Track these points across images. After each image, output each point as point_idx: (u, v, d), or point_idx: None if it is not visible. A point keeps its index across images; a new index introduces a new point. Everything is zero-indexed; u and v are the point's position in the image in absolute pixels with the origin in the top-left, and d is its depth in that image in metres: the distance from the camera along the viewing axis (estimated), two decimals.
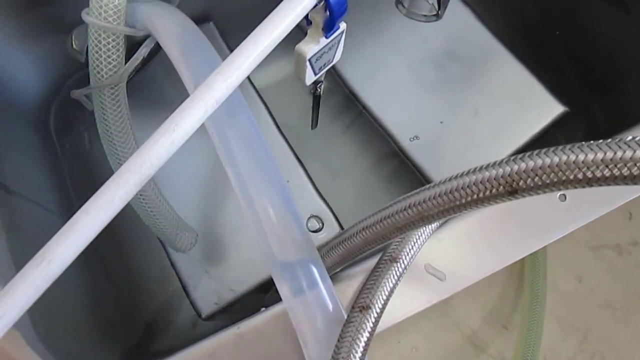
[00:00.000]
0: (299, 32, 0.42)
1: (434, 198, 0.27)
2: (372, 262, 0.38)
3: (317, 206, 0.61)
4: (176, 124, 0.32)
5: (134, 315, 0.60)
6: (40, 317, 0.40)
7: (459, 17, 0.70)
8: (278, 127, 0.65)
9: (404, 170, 0.68)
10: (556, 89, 0.65)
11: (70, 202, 0.60)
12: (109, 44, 0.44)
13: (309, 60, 0.41)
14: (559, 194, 0.41)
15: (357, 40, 0.71)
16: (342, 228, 0.60)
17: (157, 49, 0.50)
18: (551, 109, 0.65)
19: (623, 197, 0.41)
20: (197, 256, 0.60)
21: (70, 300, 0.50)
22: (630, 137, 0.22)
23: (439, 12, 0.60)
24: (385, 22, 0.71)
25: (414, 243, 0.37)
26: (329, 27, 0.39)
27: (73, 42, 0.57)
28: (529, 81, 0.66)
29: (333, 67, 0.72)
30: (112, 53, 0.45)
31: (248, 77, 0.68)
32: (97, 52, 0.45)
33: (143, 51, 0.47)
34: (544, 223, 0.41)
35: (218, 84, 0.33)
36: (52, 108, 0.63)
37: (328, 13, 0.37)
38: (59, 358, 0.39)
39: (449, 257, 0.39)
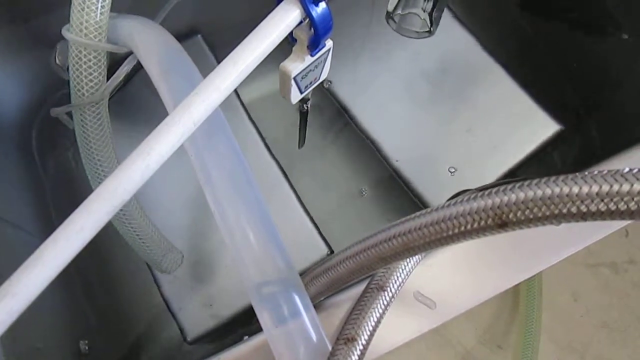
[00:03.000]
0: (288, 45, 0.41)
1: (419, 229, 0.25)
2: (358, 289, 0.36)
3: (303, 224, 0.59)
4: (151, 147, 0.31)
5: (116, 335, 0.58)
6: (8, 337, 0.39)
7: (452, 33, 0.69)
8: (265, 143, 0.63)
9: (394, 187, 0.67)
10: (551, 106, 0.64)
11: (52, 224, 0.58)
12: (90, 60, 0.43)
13: (294, 78, 0.40)
14: None
15: (347, 55, 0.70)
16: (328, 246, 0.58)
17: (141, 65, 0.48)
18: (546, 127, 0.63)
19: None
20: (183, 277, 0.59)
21: (45, 319, 0.49)
22: (627, 169, 0.20)
23: (432, 29, 0.59)
24: (376, 38, 0.70)
25: (402, 270, 0.35)
26: (314, 45, 0.38)
27: (56, 58, 0.56)
28: (523, 98, 0.65)
29: (322, 81, 0.71)
30: (94, 70, 0.44)
31: (235, 91, 0.67)
32: (77, 70, 0.44)
33: (125, 68, 0.46)
34: (539, 247, 0.39)
35: (196, 105, 0.32)
36: (34, 125, 0.61)
37: (313, 31, 0.36)
38: None
39: (439, 284, 0.38)
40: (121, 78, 0.47)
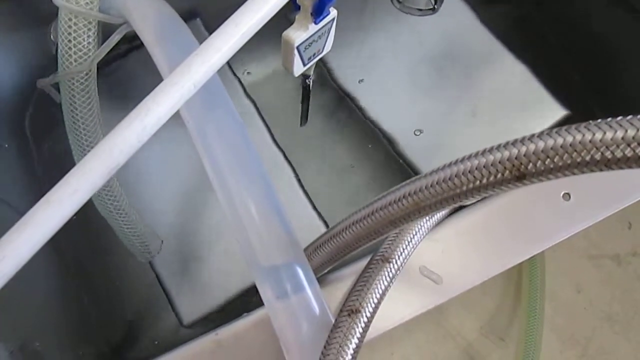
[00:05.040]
0: (287, 23, 0.40)
1: (431, 186, 0.24)
2: (362, 263, 0.35)
3: (305, 208, 0.58)
4: (149, 108, 0.29)
5: (112, 320, 0.57)
6: (4, 318, 0.37)
7: (457, 14, 0.67)
8: (267, 126, 0.62)
9: (399, 172, 0.65)
10: (557, 90, 0.63)
11: None
12: (79, 29, 0.42)
13: (297, 48, 0.39)
14: (562, 192, 0.39)
15: (350, 35, 0.69)
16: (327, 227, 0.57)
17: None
18: (552, 112, 0.62)
19: (630, 196, 0.38)
20: (180, 261, 0.57)
21: (38, 300, 0.47)
22: None
23: (435, 7, 0.58)
24: (380, 18, 0.68)
25: (408, 242, 0.34)
26: (318, 12, 0.37)
27: (51, 35, 0.54)
28: (530, 82, 0.64)
29: (324, 62, 0.69)
30: (83, 39, 0.43)
31: (237, 77, 0.66)
32: (67, 37, 0.42)
33: (116, 37, 0.45)
34: (547, 224, 0.38)
35: (196, 66, 0.31)
36: (29, 107, 0.60)
37: None
38: None
39: (445, 259, 0.37)
40: (110, 47, 0.46)
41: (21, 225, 0.27)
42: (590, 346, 0.81)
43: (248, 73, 0.73)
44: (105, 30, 0.46)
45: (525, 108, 0.63)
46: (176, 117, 0.34)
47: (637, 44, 0.60)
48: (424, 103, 0.66)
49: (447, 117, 0.64)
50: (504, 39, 0.66)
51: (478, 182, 0.22)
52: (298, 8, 0.37)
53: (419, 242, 0.35)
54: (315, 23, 0.37)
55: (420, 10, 0.59)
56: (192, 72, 0.30)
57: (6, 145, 0.56)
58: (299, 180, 0.59)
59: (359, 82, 0.67)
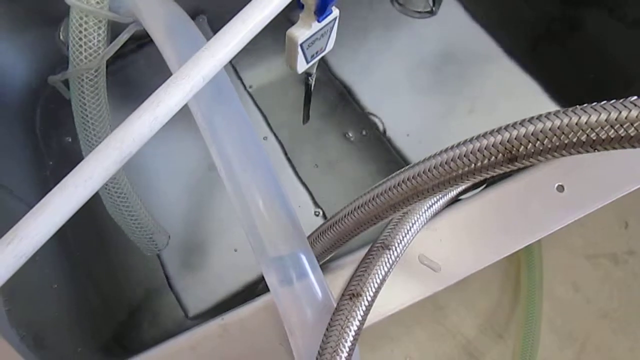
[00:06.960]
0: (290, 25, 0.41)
1: (429, 170, 0.25)
2: (363, 252, 0.36)
3: (304, 200, 0.60)
4: (160, 99, 0.31)
5: (117, 310, 0.58)
6: (15, 306, 0.39)
7: (454, 15, 0.69)
8: (268, 124, 0.64)
9: (397, 169, 0.67)
10: (552, 88, 0.65)
11: None
12: (90, 27, 0.43)
13: (301, 45, 0.40)
14: (556, 184, 0.40)
15: (351, 36, 0.70)
16: None
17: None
18: (547, 109, 0.64)
19: (624, 187, 0.40)
20: (185, 255, 0.59)
21: (49, 291, 0.48)
22: (636, 97, 0.21)
23: (433, 9, 0.59)
24: (381, 20, 0.70)
25: (408, 230, 0.35)
26: (321, 10, 0.38)
27: (60, 34, 0.56)
28: (525, 81, 0.66)
29: (326, 62, 0.71)
30: (93, 37, 0.44)
31: (240, 78, 0.68)
32: (77, 35, 0.44)
33: (124, 36, 0.46)
34: (541, 214, 0.39)
35: (205, 60, 0.32)
36: (39, 103, 0.61)
37: None
38: (33, 349, 0.37)
39: (444, 248, 0.38)
40: (119, 45, 0.47)
41: (39, 208, 0.28)
42: (588, 343, 0.82)
43: (250, 72, 0.74)
44: (114, 30, 0.48)
45: (521, 106, 0.65)
46: (182, 115, 0.35)
47: (630, 40, 0.62)
48: (422, 102, 0.67)
49: (444, 116, 0.66)
50: (500, 39, 0.68)
51: (472, 166, 0.24)
52: (302, 7, 0.39)
53: (418, 230, 0.36)
54: (318, 21, 0.39)
55: (419, 12, 0.61)
56: (201, 65, 0.32)
57: (17, 141, 0.58)
58: (296, 174, 0.61)
59: (358, 81, 0.68)
